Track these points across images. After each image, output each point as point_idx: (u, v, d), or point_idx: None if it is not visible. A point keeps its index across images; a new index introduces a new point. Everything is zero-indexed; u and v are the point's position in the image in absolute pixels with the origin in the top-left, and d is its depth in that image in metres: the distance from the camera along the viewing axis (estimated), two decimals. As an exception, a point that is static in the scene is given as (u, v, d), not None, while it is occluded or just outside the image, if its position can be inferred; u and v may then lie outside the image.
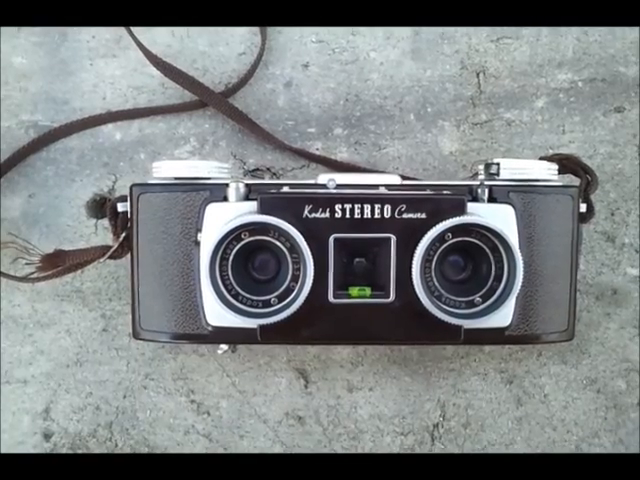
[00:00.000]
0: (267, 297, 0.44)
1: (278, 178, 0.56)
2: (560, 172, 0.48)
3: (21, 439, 0.55)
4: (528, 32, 0.56)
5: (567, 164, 0.50)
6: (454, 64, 0.57)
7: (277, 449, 0.55)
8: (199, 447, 0.55)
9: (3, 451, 0.54)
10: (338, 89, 0.56)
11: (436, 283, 0.44)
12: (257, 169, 0.56)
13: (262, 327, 0.44)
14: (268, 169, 0.56)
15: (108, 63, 0.56)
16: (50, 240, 0.54)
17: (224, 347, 0.54)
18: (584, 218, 0.48)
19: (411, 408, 0.55)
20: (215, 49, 0.56)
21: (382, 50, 0.57)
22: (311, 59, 0.56)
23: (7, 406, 0.55)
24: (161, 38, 0.56)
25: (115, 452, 0.55)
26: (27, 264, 0.50)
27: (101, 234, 0.55)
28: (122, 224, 0.47)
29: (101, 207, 0.55)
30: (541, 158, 0.49)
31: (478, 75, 0.57)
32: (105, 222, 0.54)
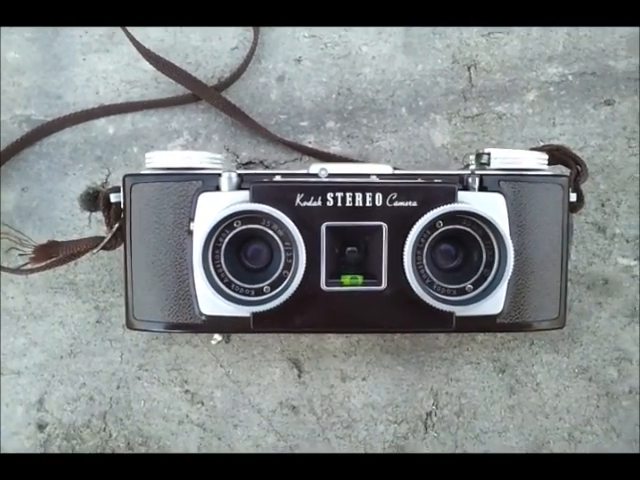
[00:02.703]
0: (260, 285, 0.44)
1: (270, 170, 0.56)
2: (550, 163, 0.49)
3: (15, 430, 0.55)
4: (519, 27, 0.57)
5: (557, 155, 0.50)
6: (445, 58, 0.57)
7: (271, 438, 0.55)
8: (193, 437, 0.55)
9: (-3, 442, 0.55)
10: (330, 83, 0.57)
11: (427, 271, 0.45)
12: (250, 162, 0.56)
13: (255, 315, 0.44)
14: (261, 162, 0.56)
15: (101, 58, 0.56)
16: (43, 233, 0.54)
17: (218, 338, 0.55)
18: (574, 207, 0.49)
19: (404, 397, 0.55)
20: (208, 44, 0.57)
21: (374, 44, 0.57)
22: (303, 53, 0.57)
23: (1, 397, 0.55)
24: (154, 33, 0.56)
25: (109, 442, 0.55)
26: (20, 255, 0.50)
27: (94, 227, 0.55)
28: (115, 215, 0.47)
29: (94, 200, 0.55)
30: (532, 149, 0.50)
31: (469, 69, 0.57)
32: (99, 215, 0.54)
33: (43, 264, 0.49)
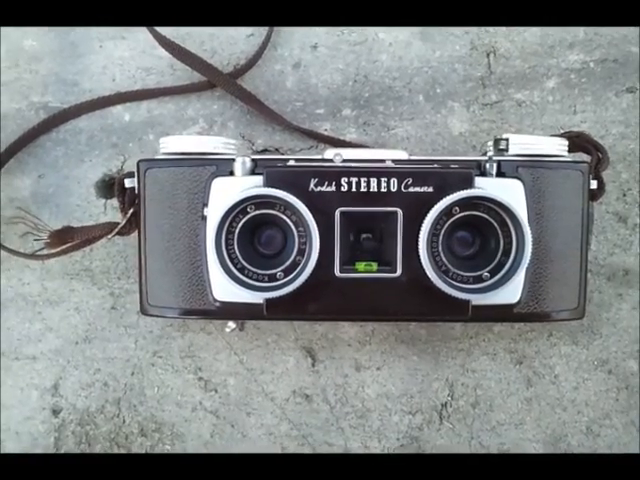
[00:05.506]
0: (273, 271, 0.44)
1: (285, 157, 0.56)
2: (571, 150, 0.48)
3: (30, 414, 0.55)
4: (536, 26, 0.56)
5: (577, 141, 0.49)
6: (464, 45, 0.56)
7: (284, 426, 0.55)
8: (206, 424, 0.55)
9: (12, 426, 0.55)
10: (347, 70, 0.56)
11: (443, 258, 0.44)
12: (265, 149, 0.56)
13: (268, 301, 0.44)
14: (276, 149, 0.56)
15: (117, 45, 0.56)
16: (59, 220, 0.55)
17: (232, 325, 0.55)
18: (595, 195, 0.48)
19: (419, 387, 0.55)
20: (223, 31, 0.57)
21: (391, 31, 0.56)
22: (320, 40, 0.56)
23: (16, 382, 0.55)
24: (170, 20, 0.56)
25: (123, 428, 0.55)
26: (36, 240, 0.50)
27: (110, 214, 0.55)
28: (130, 200, 0.47)
29: (110, 187, 0.55)
30: (552, 136, 0.49)
31: (488, 55, 0.56)
32: (114, 202, 0.54)
33: (58, 249, 0.50)
